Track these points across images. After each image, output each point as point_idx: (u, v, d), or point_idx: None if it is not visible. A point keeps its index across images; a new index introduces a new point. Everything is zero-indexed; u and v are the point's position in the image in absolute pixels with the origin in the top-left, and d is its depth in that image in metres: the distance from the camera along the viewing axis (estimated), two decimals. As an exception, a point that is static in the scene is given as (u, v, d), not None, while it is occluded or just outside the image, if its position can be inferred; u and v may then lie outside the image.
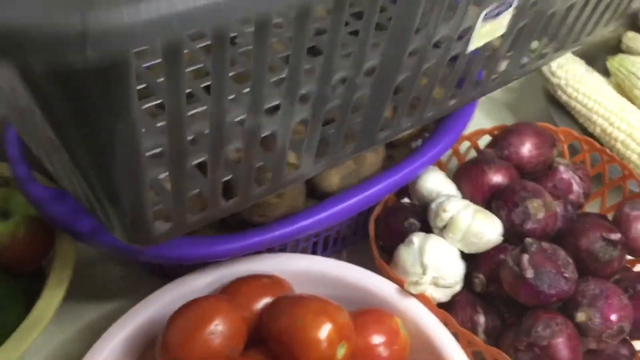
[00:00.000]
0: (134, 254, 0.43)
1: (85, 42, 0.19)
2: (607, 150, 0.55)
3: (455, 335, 0.44)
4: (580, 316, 0.43)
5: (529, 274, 0.43)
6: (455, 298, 0.48)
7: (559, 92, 0.61)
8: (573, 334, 0.42)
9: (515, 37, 0.44)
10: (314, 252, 0.54)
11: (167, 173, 0.32)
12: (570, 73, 0.60)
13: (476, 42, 0.40)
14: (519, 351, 0.43)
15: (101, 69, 0.21)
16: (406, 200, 0.55)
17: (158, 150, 0.33)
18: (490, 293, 0.48)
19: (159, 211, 0.34)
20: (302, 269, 0.47)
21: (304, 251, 0.53)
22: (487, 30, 0.40)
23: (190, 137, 0.32)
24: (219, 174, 0.33)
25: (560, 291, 0.43)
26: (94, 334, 0.45)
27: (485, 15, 0.38)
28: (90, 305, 0.53)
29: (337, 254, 0.57)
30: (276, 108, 0.34)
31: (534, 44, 0.48)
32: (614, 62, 0.64)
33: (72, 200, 0.42)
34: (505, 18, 0.40)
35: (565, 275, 0.43)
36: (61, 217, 0.42)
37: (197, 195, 0.35)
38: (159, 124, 0.37)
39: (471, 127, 0.55)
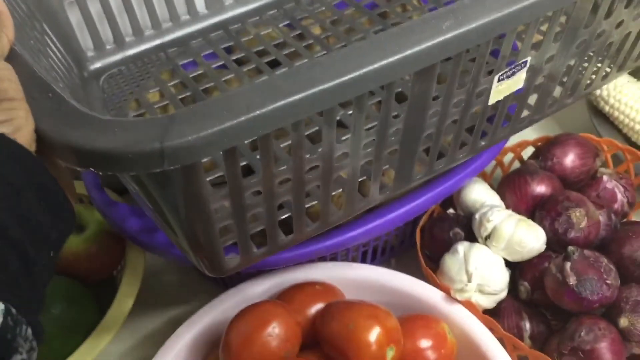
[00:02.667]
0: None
1: (163, 159, 0.27)
2: (651, 159, 0.55)
3: (501, 340, 0.46)
4: (623, 322, 0.44)
5: (572, 280, 0.45)
6: (500, 305, 0.49)
7: (602, 103, 0.62)
8: (616, 339, 0.44)
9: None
10: (363, 261, 0.56)
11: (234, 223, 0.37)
12: (612, 84, 0.61)
13: (495, 97, 0.42)
14: (564, 355, 0.44)
15: (179, 170, 0.30)
16: (451, 210, 0.57)
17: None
18: (535, 300, 0.49)
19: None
20: (352, 277, 0.50)
21: (354, 260, 0.55)
22: (505, 87, 0.42)
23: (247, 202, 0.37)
24: (275, 217, 0.38)
25: (603, 297, 0.44)
26: (160, 337, 0.48)
27: (499, 78, 0.40)
28: (155, 311, 0.57)
29: (385, 263, 0.59)
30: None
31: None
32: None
33: (144, 217, 0.47)
34: (521, 76, 0.42)
35: (608, 281, 0.45)
36: (137, 234, 0.47)
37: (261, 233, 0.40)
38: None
39: (515, 139, 0.56)
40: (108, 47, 0.55)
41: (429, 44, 0.32)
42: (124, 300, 0.49)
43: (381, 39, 0.32)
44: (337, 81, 0.30)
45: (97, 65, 0.54)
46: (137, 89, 0.52)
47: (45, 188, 0.29)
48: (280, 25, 0.58)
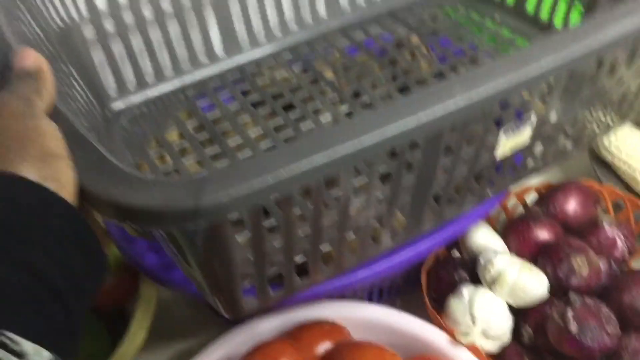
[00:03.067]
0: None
1: (198, 216, 0.30)
2: (651, 208, 0.57)
3: (504, 384, 0.47)
4: (623, 369, 0.46)
5: (573, 328, 0.46)
6: (504, 350, 0.51)
7: (604, 152, 0.64)
8: (616, 387, 0.45)
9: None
10: (369, 299, 0.58)
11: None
12: (614, 134, 0.63)
13: (502, 151, 0.44)
14: (564, 401, 0.45)
15: (210, 227, 0.32)
16: (456, 252, 0.58)
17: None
18: (537, 345, 0.50)
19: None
20: (360, 316, 0.51)
21: (360, 298, 0.57)
22: (512, 142, 0.44)
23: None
24: (292, 264, 0.40)
25: (603, 346, 0.46)
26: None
27: (505, 131, 0.43)
28: (166, 345, 0.58)
29: (391, 302, 0.61)
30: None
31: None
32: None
33: (161, 253, 0.48)
34: (527, 130, 0.44)
35: (608, 330, 0.46)
36: (155, 270, 0.48)
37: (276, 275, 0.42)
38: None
39: (518, 184, 0.58)
40: (130, 87, 0.57)
41: (441, 114, 0.34)
42: (136, 335, 0.51)
43: (397, 108, 0.34)
44: (357, 147, 0.32)
45: (120, 105, 0.57)
46: (157, 130, 0.54)
47: (85, 239, 0.31)
48: (295, 68, 0.60)
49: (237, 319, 0.42)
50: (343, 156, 0.32)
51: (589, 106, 0.49)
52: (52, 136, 0.32)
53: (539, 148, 0.49)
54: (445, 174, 0.43)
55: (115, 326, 0.54)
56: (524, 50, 0.38)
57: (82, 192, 0.31)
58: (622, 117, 0.55)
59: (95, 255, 0.32)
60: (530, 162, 0.50)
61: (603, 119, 0.54)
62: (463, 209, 0.49)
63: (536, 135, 0.46)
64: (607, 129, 0.55)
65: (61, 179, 0.30)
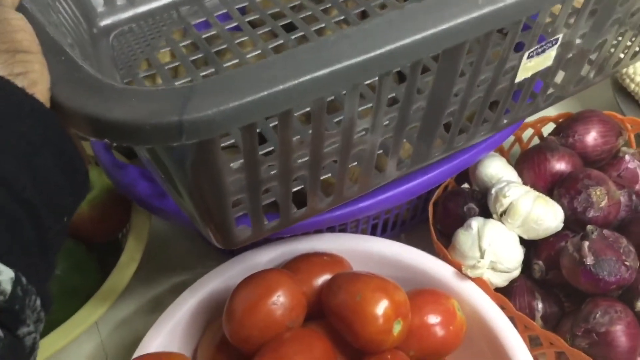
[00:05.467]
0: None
1: (182, 133, 0.26)
2: (677, 141, 0.53)
3: (512, 319, 0.44)
4: (641, 305, 0.43)
5: (589, 260, 0.43)
6: (513, 283, 0.48)
7: (627, 81, 0.60)
8: (632, 322, 0.42)
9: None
10: (373, 233, 0.55)
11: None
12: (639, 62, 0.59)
13: (522, 75, 0.40)
14: (577, 337, 0.43)
15: (197, 144, 0.28)
16: (466, 185, 0.55)
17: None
18: (549, 280, 0.48)
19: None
20: (361, 249, 0.49)
21: (363, 232, 0.54)
22: (533, 65, 0.40)
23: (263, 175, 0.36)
24: (289, 192, 0.37)
25: (621, 279, 0.43)
26: (163, 304, 0.48)
27: (529, 55, 0.38)
28: (161, 277, 0.56)
29: (396, 237, 0.58)
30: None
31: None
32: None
33: (153, 181, 0.45)
34: (551, 54, 0.40)
35: (626, 263, 0.43)
36: (146, 197, 0.45)
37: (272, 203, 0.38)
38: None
39: (535, 115, 0.54)
40: (119, 2, 0.53)
41: (463, 19, 0.30)
42: (127, 266, 0.48)
43: (413, 12, 0.29)
44: (364, 57, 0.28)
45: (107, 21, 0.53)
46: (147, 48, 0.51)
47: (62, 149, 0.28)
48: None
49: (231, 249, 0.39)
50: (349, 67, 0.28)
51: (618, 31, 0.45)
52: (22, 29, 0.28)
53: (560, 74, 0.45)
54: (459, 99, 0.39)
55: (108, 257, 0.52)
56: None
57: (54, 105, 0.27)
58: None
59: (73, 167, 0.28)
60: (550, 90, 0.46)
61: (631, 45, 0.49)
62: (475, 138, 0.45)
63: (559, 60, 0.42)
64: (634, 56, 0.51)
65: (32, 76, 0.27)
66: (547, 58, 0.40)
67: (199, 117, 0.26)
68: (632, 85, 0.60)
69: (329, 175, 0.40)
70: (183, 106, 0.25)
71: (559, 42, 0.39)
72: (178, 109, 0.25)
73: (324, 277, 0.46)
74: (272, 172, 0.34)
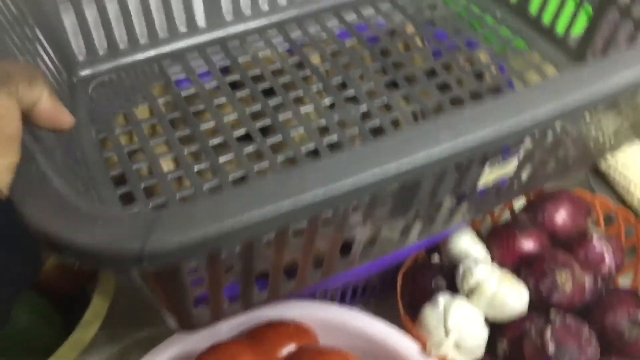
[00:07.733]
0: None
1: (142, 260, 0.26)
2: (643, 224, 0.54)
3: (473, 401, 0.44)
4: (600, 397, 0.43)
5: (550, 349, 0.43)
6: (476, 362, 0.48)
7: (600, 160, 0.61)
8: (591, 415, 0.42)
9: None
10: (342, 299, 0.55)
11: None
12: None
13: (484, 182, 0.40)
14: None
15: (161, 269, 0.29)
16: (436, 256, 0.55)
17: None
18: (511, 360, 0.48)
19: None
20: (327, 318, 0.48)
21: (332, 298, 0.54)
22: (496, 172, 0.40)
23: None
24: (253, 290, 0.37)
25: (581, 370, 0.43)
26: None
27: (490, 164, 0.39)
28: (123, 332, 0.55)
29: (366, 303, 0.58)
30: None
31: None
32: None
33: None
34: (514, 161, 0.40)
35: (587, 353, 0.43)
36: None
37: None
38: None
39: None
40: (101, 52, 0.53)
41: (422, 163, 0.29)
42: (90, 323, 0.47)
43: (377, 148, 0.29)
44: (326, 195, 0.28)
45: (87, 71, 0.52)
46: (126, 103, 0.50)
47: (18, 240, 0.28)
48: (280, 49, 0.56)
49: (189, 330, 0.39)
50: (310, 205, 0.28)
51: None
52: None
53: (525, 175, 0.46)
54: (425, 199, 0.39)
55: (73, 306, 0.51)
56: (518, 95, 0.33)
57: (20, 214, 0.27)
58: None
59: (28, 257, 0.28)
60: (515, 186, 0.46)
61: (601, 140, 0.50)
62: (444, 227, 0.45)
63: (522, 167, 0.42)
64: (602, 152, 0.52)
65: None
66: (511, 165, 0.41)
67: (161, 248, 0.26)
68: (604, 165, 0.61)
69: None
70: (145, 236, 0.25)
71: (521, 152, 0.40)
72: (140, 238, 0.25)
73: (289, 348, 0.45)
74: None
